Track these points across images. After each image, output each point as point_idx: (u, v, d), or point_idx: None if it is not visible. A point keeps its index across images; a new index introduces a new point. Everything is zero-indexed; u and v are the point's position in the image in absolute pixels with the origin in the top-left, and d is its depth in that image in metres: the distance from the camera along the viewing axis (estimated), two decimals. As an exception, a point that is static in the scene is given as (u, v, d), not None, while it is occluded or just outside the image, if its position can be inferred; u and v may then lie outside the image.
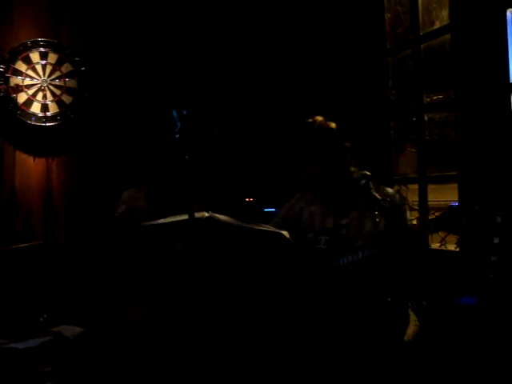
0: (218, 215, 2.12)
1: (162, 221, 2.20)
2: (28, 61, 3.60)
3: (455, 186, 3.07)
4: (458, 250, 3.16)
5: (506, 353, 2.21)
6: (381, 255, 2.23)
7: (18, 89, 3.57)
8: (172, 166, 2.84)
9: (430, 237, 3.11)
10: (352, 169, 2.44)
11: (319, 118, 2.51)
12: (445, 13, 3.19)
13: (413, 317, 2.32)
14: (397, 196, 2.51)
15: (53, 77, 3.65)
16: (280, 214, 2.70)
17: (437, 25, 3.27)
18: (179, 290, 2.22)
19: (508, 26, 2.73)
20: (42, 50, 3.63)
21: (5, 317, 2.92)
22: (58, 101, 3.65)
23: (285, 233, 2.16)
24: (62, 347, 2.60)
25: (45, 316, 2.91)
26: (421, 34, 3.31)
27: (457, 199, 3.07)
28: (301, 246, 2.41)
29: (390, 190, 2.51)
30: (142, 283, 2.54)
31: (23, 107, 3.58)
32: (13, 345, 2.58)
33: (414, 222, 2.50)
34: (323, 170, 2.45)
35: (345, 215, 2.47)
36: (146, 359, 2.29)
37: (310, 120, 2.52)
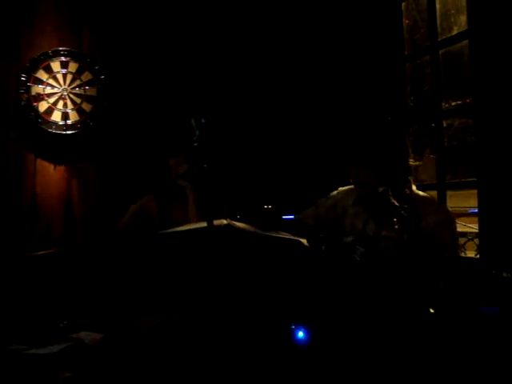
0: (236, 223, 2.13)
1: (180, 228, 2.21)
2: (49, 70, 3.65)
3: (475, 192, 3.04)
4: (477, 256, 3.13)
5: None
6: (401, 264, 2.21)
7: (39, 97, 3.62)
8: (174, 159, 2.87)
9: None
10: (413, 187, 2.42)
11: (391, 123, 2.49)
12: (463, 18, 3.18)
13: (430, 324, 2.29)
14: (440, 207, 2.44)
15: (73, 85, 3.70)
16: (321, 206, 2.65)
17: (455, 30, 3.25)
18: (197, 298, 2.23)
19: (527, 32, 2.71)
20: (62, 59, 3.67)
21: (26, 323, 2.95)
22: (78, 109, 3.70)
23: (303, 241, 2.15)
24: (81, 353, 2.61)
25: (65, 322, 2.93)
26: (439, 39, 3.29)
27: (476, 206, 3.04)
28: (335, 250, 2.38)
29: (433, 201, 2.45)
30: (159, 290, 2.55)
31: (44, 116, 3.62)
32: (33, 350, 2.60)
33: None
34: (378, 178, 2.41)
35: (386, 225, 2.40)
36: (164, 367, 2.29)
37: (384, 124, 2.49)
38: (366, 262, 2.27)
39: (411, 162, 2.46)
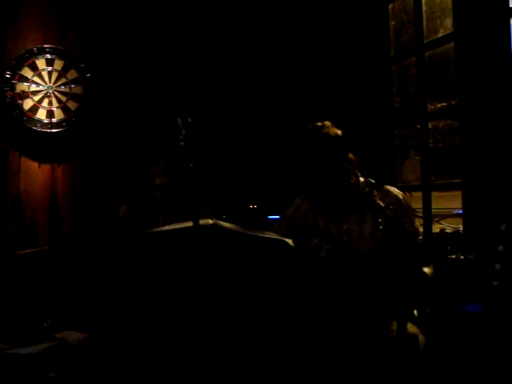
0: (222, 222, 2.12)
1: (166, 228, 2.21)
2: (34, 67, 3.62)
3: (459, 193, 3.07)
4: (461, 257, 3.15)
5: (508, 360, 2.21)
6: (382, 263, 2.23)
7: (24, 95, 3.59)
8: (153, 168, 2.82)
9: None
10: (361, 178, 2.44)
11: (328, 123, 2.49)
12: (449, 21, 3.20)
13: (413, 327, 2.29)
14: (401, 197, 2.48)
15: (58, 83, 3.67)
16: (285, 216, 2.69)
17: (441, 33, 3.28)
18: (182, 296, 2.22)
19: (511, 35, 2.74)
20: (48, 56, 3.65)
21: (9, 322, 2.92)
22: (63, 107, 3.67)
23: (289, 240, 2.15)
24: (65, 353, 2.60)
25: (48, 321, 2.91)
26: (425, 41, 3.32)
27: (461, 207, 3.07)
28: (304, 252, 2.41)
29: (394, 192, 2.49)
30: (144, 290, 2.54)
31: (29, 113, 3.60)
32: (16, 350, 2.58)
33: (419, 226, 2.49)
34: (324, 176, 2.45)
35: (345, 220, 2.47)
36: (149, 365, 2.29)
37: (319, 124, 2.48)
38: (332, 257, 2.31)
39: (352, 156, 2.49)
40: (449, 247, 2.32)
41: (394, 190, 2.52)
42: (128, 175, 3.70)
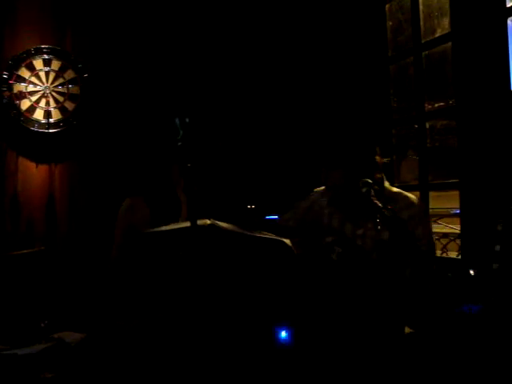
0: (220, 222, 2.12)
1: (164, 228, 2.21)
2: (31, 68, 3.61)
3: (457, 193, 3.07)
4: (459, 257, 3.16)
5: (507, 361, 2.21)
6: (383, 266, 2.22)
7: (22, 95, 3.58)
8: (177, 165, 2.82)
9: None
10: (386, 182, 2.42)
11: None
12: (446, 21, 3.21)
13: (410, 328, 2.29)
14: (412, 201, 2.45)
15: (56, 83, 3.67)
16: (299, 207, 2.66)
17: (438, 33, 3.28)
18: (180, 296, 2.22)
19: (508, 35, 2.75)
20: (45, 56, 3.65)
21: (6, 323, 2.92)
22: (60, 107, 3.67)
23: (287, 241, 2.15)
24: (63, 353, 2.59)
25: (46, 322, 2.91)
26: (422, 41, 3.32)
27: (458, 206, 3.07)
28: (315, 250, 2.39)
29: (405, 196, 2.46)
30: (143, 290, 2.54)
31: (26, 114, 3.59)
32: (14, 351, 2.57)
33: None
34: (350, 177, 2.40)
35: (362, 224, 2.43)
36: (147, 365, 2.29)
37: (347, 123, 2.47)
38: (342, 261, 2.28)
39: (378, 159, 2.46)
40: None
41: (417, 200, 2.47)
42: (138, 172, 3.68)
